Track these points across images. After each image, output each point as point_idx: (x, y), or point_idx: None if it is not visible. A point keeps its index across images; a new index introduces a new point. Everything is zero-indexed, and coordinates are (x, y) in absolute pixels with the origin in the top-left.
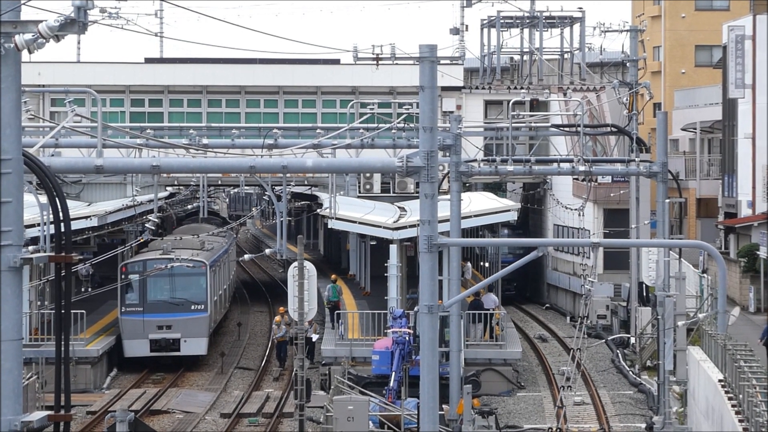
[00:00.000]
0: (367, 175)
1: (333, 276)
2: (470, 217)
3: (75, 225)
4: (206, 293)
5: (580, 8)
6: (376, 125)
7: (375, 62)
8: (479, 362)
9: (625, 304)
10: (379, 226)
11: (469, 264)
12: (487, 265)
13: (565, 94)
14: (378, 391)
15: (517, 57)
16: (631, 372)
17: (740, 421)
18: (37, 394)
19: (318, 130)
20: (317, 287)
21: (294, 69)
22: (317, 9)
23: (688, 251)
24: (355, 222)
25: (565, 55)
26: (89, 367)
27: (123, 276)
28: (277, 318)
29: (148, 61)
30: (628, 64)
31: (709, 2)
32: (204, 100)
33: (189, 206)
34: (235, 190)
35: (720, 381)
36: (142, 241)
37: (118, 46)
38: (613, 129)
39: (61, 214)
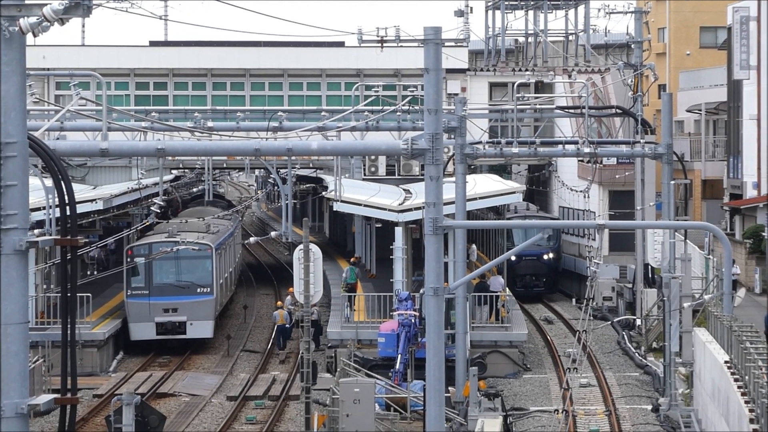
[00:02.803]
0: (372, 157)
1: (352, 258)
2: (475, 199)
3: (80, 208)
4: (212, 276)
5: None
6: (380, 108)
7: (379, 45)
8: (485, 344)
9: (630, 285)
10: (385, 209)
11: (474, 246)
12: (513, 258)
13: (569, 76)
14: (384, 373)
15: (521, 39)
16: (637, 354)
17: (746, 402)
18: (44, 378)
19: (323, 113)
20: (323, 270)
21: (298, 52)
22: None
23: (693, 233)
24: (360, 204)
25: (570, 37)
26: (95, 350)
27: (129, 259)
28: (279, 303)
29: (153, 44)
30: (632, 46)
31: None
32: (209, 83)
33: (194, 189)
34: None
35: (726, 362)
36: (147, 224)
37: (123, 29)
38: (618, 111)
39: (66, 198)
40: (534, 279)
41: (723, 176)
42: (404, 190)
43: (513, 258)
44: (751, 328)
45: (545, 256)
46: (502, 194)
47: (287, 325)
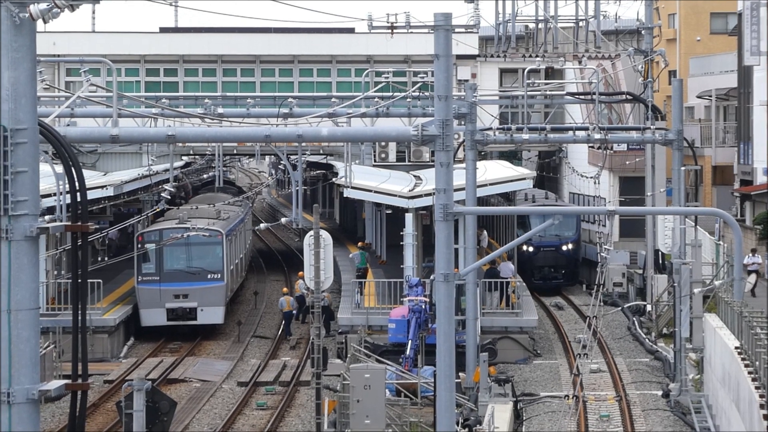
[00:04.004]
0: (383, 143)
1: (360, 243)
2: (486, 185)
3: (91, 194)
4: (222, 262)
5: None
6: (391, 94)
7: (390, 31)
8: (495, 330)
9: (641, 271)
10: (395, 195)
11: (485, 232)
12: (531, 249)
13: (580, 62)
14: (394, 359)
15: (532, 25)
16: (647, 339)
17: (756, 388)
18: (55, 363)
19: (333, 99)
20: (334, 256)
21: (309, 38)
22: None
23: (703, 219)
24: (370, 191)
25: (580, 23)
26: (106, 336)
27: (139, 245)
28: (285, 289)
29: (163, 30)
30: (643, 32)
31: None
32: (219, 70)
33: (205, 175)
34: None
35: (736, 348)
36: (158, 210)
37: (133, 15)
38: (629, 97)
39: (77, 184)
40: (552, 271)
41: (733, 162)
42: (414, 176)
43: (531, 249)
44: (761, 313)
45: (564, 247)
46: (512, 180)
47: (293, 311)
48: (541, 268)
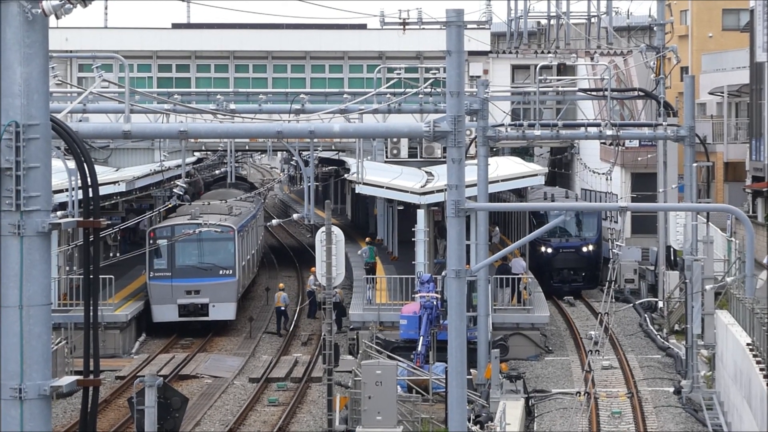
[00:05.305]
0: (394, 140)
1: (368, 239)
2: (497, 181)
3: (103, 190)
4: (234, 258)
5: None
6: (403, 90)
7: (402, 27)
8: (507, 327)
9: (652, 268)
10: (407, 191)
11: (497, 228)
12: (549, 250)
13: (592, 59)
14: (406, 355)
15: (544, 21)
16: (659, 336)
17: None
18: (66, 359)
19: (345, 96)
20: (345, 252)
21: (321, 34)
22: None
23: (715, 215)
24: (382, 187)
25: (592, 20)
26: (118, 332)
27: (151, 241)
28: (281, 285)
29: (175, 26)
30: (655, 28)
31: None
32: (231, 66)
33: (217, 171)
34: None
35: (748, 345)
36: (170, 206)
37: (145, 11)
38: (641, 93)
39: (89, 180)
40: (572, 273)
41: (745, 159)
42: (426, 172)
43: (549, 250)
44: None
45: (584, 249)
46: (524, 177)
47: (283, 308)
48: (560, 270)
